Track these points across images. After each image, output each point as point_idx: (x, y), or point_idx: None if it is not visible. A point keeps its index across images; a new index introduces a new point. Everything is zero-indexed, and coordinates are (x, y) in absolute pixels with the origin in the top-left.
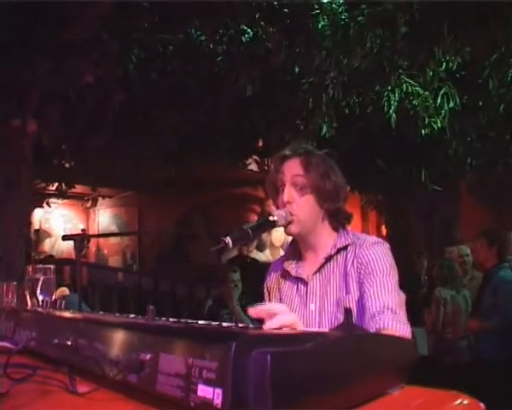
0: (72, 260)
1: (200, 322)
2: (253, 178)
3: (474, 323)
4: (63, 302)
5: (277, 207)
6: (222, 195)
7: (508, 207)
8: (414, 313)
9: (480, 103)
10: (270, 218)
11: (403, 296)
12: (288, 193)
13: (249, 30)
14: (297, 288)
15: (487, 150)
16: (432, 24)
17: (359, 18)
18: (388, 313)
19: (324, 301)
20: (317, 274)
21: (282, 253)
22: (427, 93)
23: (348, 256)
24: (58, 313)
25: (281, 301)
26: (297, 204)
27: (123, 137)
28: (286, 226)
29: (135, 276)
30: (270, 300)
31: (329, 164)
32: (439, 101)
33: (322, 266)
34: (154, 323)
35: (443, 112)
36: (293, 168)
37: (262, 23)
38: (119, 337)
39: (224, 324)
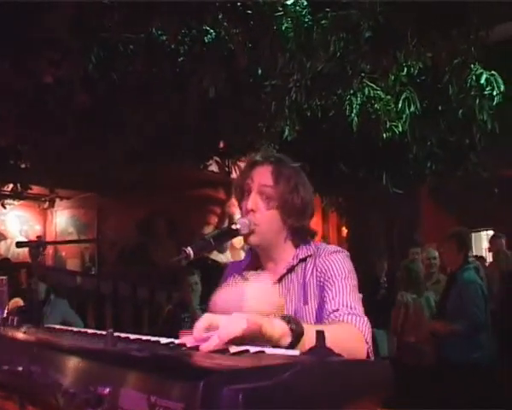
0: (29, 263)
1: (163, 341)
2: (213, 179)
3: (439, 326)
4: (15, 319)
5: (241, 209)
6: (182, 196)
7: (467, 211)
8: (374, 315)
9: (440, 108)
10: (233, 226)
11: (360, 297)
12: (254, 201)
13: (212, 30)
14: None
15: (447, 155)
16: (396, 29)
17: (323, 21)
18: (343, 309)
19: (283, 312)
20: (278, 285)
21: (243, 255)
22: (388, 97)
23: (308, 266)
24: (10, 332)
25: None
26: (261, 214)
27: (84, 138)
28: (247, 236)
29: (94, 279)
30: None
31: (300, 177)
32: (400, 105)
33: (283, 276)
34: (113, 350)
35: (404, 116)
36: (262, 176)
37: (225, 24)
38: (75, 365)
39: (189, 340)
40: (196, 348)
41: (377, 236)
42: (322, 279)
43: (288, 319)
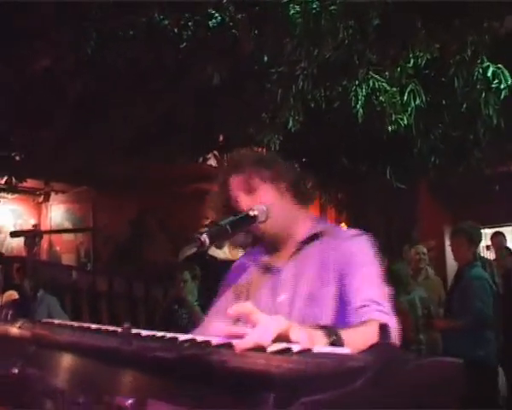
0: (22, 257)
1: (181, 338)
2: (210, 173)
3: (443, 322)
4: (10, 313)
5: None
6: (178, 191)
7: (466, 208)
8: None
9: (444, 102)
10: (250, 213)
11: (387, 289)
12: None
13: (217, 14)
14: (266, 278)
15: (450, 150)
16: (405, 17)
17: (331, 7)
18: (372, 306)
19: (296, 293)
20: (289, 263)
21: (241, 250)
22: (394, 89)
23: (325, 246)
24: (3, 327)
25: (248, 293)
26: (254, 203)
27: (77, 128)
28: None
29: (89, 275)
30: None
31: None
32: (405, 97)
33: (295, 253)
34: (134, 349)
35: (409, 109)
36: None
37: (230, 8)
38: (83, 368)
39: (214, 340)
40: (226, 346)
41: (376, 232)
42: (342, 264)
43: (327, 331)
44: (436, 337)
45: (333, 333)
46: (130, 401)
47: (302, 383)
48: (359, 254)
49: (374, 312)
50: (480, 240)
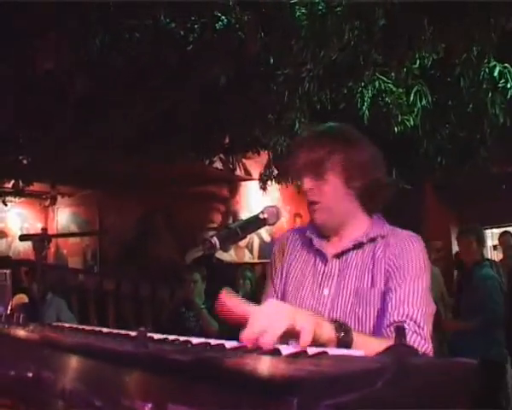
0: (29, 260)
1: (194, 341)
2: (217, 176)
3: (453, 324)
4: (21, 316)
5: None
6: (184, 193)
7: (473, 207)
8: None
9: (450, 102)
10: (260, 215)
11: (433, 307)
12: (306, 181)
13: (223, 17)
14: (314, 264)
15: (457, 150)
16: (411, 17)
17: (337, 8)
18: (410, 325)
19: (340, 288)
20: (340, 257)
21: (247, 253)
22: (400, 90)
23: (378, 246)
24: (15, 331)
25: (287, 271)
26: (318, 189)
27: (82, 129)
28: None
29: (96, 277)
30: (279, 263)
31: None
32: (411, 98)
33: (348, 251)
34: (150, 352)
35: (416, 110)
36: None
37: (237, 8)
38: (99, 372)
39: (228, 343)
40: (242, 349)
41: None
42: (392, 265)
43: (337, 325)
44: (441, 338)
45: (343, 329)
46: (149, 406)
47: (325, 385)
48: (409, 259)
49: (409, 332)
50: (485, 241)
